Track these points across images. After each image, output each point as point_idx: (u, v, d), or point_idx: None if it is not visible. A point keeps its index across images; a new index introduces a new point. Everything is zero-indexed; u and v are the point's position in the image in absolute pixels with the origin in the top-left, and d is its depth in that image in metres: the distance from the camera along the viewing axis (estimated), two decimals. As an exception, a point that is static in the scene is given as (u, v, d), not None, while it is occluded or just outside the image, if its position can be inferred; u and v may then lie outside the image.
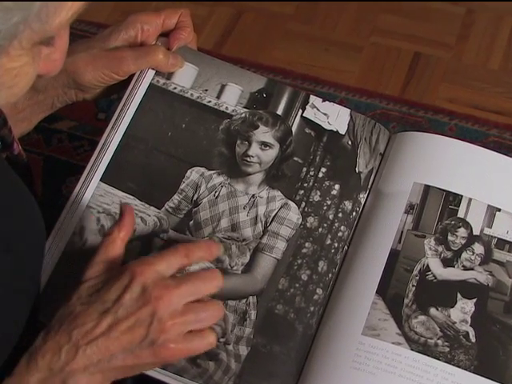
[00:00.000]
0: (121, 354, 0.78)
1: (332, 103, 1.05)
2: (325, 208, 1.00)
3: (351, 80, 1.65)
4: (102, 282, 0.82)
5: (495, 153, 1.01)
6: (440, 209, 0.98)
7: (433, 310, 0.93)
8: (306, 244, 0.98)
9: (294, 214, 0.99)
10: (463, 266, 0.96)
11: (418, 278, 0.95)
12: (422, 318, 0.92)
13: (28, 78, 0.72)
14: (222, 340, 0.92)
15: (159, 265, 0.81)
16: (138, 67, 1.01)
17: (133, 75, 1.02)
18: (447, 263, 0.96)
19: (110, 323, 0.78)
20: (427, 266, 0.95)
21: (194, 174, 1.00)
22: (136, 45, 1.02)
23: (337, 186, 1.01)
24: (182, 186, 1.00)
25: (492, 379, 0.89)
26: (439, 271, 0.95)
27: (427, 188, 0.99)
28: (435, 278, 0.95)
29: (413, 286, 0.94)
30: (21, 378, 0.77)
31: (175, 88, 1.04)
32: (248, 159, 1.00)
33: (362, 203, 1.01)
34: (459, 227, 0.97)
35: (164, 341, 0.79)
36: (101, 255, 0.85)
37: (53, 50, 0.72)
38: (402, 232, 0.97)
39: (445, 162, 1.00)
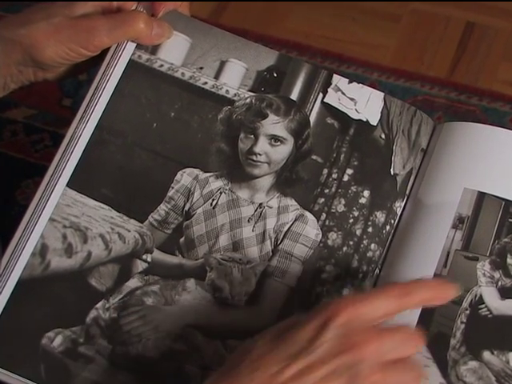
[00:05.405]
0: None
1: (361, 85, 1.05)
2: (351, 221, 1.01)
3: (385, 58, 1.65)
4: (291, 322, 0.84)
5: None
6: (497, 223, 0.98)
7: (487, 354, 0.93)
8: (327, 267, 0.98)
9: (311, 229, 0.99)
10: (527, 297, 0.96)
11: (468, 312, 0.95)
12: (472, 364, 0.93)
13: None
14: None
15: (364, 308, 0.82)
16: (113, 40, 1.01)
17: (107, 50, 1.02)
18: (506, 294, 0.96)
19: (301, 368, 0.80)
20: (480, 296, 0.95)
21: (185, 178, 1.01)
22: (111, 11, 1.02)
23: (366, 193, 1.02)
24: (170, 193, 1.00)
25: None
26: (496, 304, 0.95)
27: (481, 196, 0.99)
28: (490, 313, 0.95)
29: (462, 322, 0.94)
30: None
31: (162, 65, 1.04)
32: (254, 158, 1.01)
33: (398, 215, 1.01)
34: (522, 247, 0.98)
35: None
36: None
37: None
38: (448, 252, 0.97)
39: (505, 162, 1.00)
